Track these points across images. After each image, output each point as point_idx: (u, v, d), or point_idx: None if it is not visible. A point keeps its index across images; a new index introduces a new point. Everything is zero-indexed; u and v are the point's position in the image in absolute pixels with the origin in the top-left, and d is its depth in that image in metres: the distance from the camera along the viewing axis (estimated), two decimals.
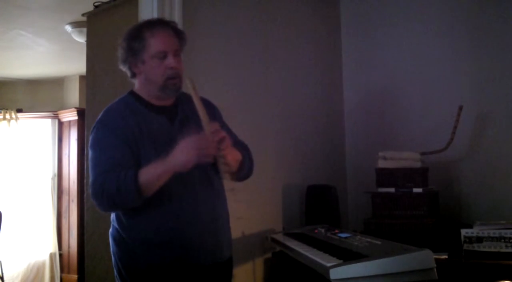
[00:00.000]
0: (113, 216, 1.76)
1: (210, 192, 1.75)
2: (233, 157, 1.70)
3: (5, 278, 5.02)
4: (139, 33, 1.72)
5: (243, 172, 1.79)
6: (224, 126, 1.85)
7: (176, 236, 1.66)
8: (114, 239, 1.75)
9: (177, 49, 1.73)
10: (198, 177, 1.70)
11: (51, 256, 5.65)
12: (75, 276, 5.48)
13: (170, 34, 1.73)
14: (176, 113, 1.76)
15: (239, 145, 1.82)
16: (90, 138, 1.71)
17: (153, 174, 1.56)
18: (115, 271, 1.76)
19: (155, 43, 1.69)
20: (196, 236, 1.68)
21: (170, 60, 1.69)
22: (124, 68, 1.78)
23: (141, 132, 1.67)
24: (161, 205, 1.64)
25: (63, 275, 5.65)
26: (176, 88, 1.73)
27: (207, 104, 1.81)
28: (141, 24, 1.77)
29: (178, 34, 1.75)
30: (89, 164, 1.68)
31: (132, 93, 1.79)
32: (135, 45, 1.71)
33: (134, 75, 1.77)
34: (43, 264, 5.63)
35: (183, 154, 1.54)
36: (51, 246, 5.66)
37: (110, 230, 1.79)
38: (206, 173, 1.72)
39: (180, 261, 1.68)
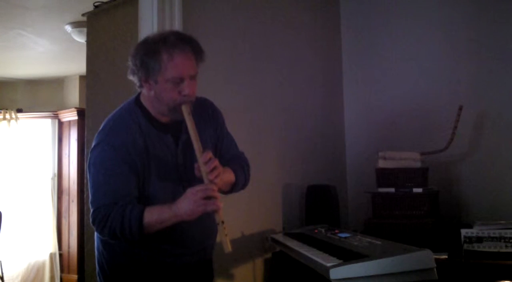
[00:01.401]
0: None
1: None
2: (226, 180, 1.68)
3: (5, 278, 5.02)
4: (155, 51, 1.58)
5: (236, 190, 1.80)
6: (227, 135, 1.85)
7: (164, 240, 1.67)
8: (102, 241, 1.74)
9: (193, 73, 1.62)
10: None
11: (51, 256, 5.66)
12: (75, 276, 5.48)
13: (189, 57, 1.60)
14: (180, 131, 1.69)
15: (238, 159, 1.81)
16: (94, 155, 1.62)
17: (157, 218, 1.55)
18: (97, 267, 1.76)
19: (173, 68, 1.57)
20: (186, 241, 1.71)
21: (185, 86, 1.59)
22: (133, 78, 1.66)
23: (148, 157, 1.62)
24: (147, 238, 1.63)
25: (63, 275, 5.65)
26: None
27: (211, 108, 1.81)
28: (158, 40, 1.60)
29: (197, 54, 1.63)
30: (90, 182, 1.63)
31: (139, 104, 1.69)
32: (150, 63, 1.58)
33: (142, 86, 1.66)
34: (43, 264, 5.63)
35: (188, 203, 1.53)
36: (51, 246, 5.66)
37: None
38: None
39: (167, 262, 1.70)
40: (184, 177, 1.66)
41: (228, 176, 1.72)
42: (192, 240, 1.72)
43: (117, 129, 1.64)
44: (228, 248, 1.52)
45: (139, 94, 1.72)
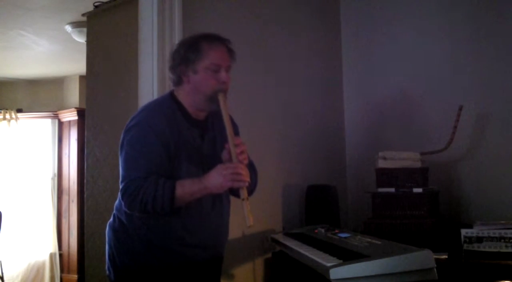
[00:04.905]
0: (118, 208, 1.77)
1: (218, 207, 1.83)
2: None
3: (5, 278, 5.02)
4: (196, 44, 1.76)
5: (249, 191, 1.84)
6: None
7: (181, 244, 1.73)
8: (115, 232, 1.78)
9: (229, 65, 1.79)
10: None
11: (51, 256, 5.66)
12: (75, 276, 5.49)
13: (224, 50, 1.79)
14: (206, 129, 1.83)
15: (250, 166, 1.86)
16: (130, 134, 1.71)
17: (189, 189, 1.64)
18: (108, 262, 1.79)
19: (212, 55, 1.75)
20: (199, 246, 1.77)
21: (223, 74, 1.75)
22: (172, 74, 1.82)
23: (179, 142, 1.72)
24: (176, 212, 1.68)
25: (63, 275, 5.65)
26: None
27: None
28: (199, 35, 1.81)
29: (230, 53, 1.81)
30: (123, 161, 1.70)
31: (174, 99, 1.81)
32: (191, 54, 1.75)
33: (180, 82, 1.79)
34: (43, 264, 5.63)
35: (219, 177, 1.63)
36: (51, 246, 5.67)
37: (111, 220, 1.82)
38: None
39: (179, 264, 1.74)
40: (210, 167, 1.72)
41: (247, 173, 1.78)
42: (207, 232, 1.78)
43: (154, 113, 1.75)
44: (250, 222, 1.61)
45: (172, 91, 1.84)
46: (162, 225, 1.71)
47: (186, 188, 1.63)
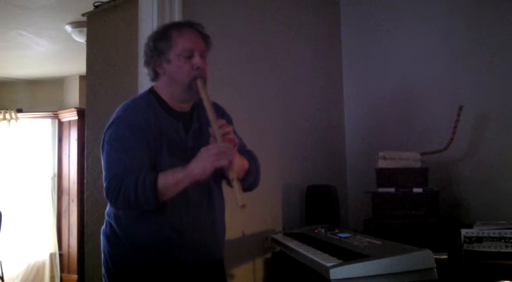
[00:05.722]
0: (109, 213, 1.75)
1: (209, 203, 1.76)
2: (239, 164, 1.69)
3: (5, 278, 5.02)
4: (166, 33, 1.72)
5: (249, 181, 1.78)
6: (236, 134, 1.84)
7: (170, 244, 1.68)
8: (107, 237, 1.75)
9: (203, 50, 1.74)
10: (198, 188, 1.70)
11: (51, 256, 5.66)
12: (75, 276, 5.49)
13: (197, 35, 1.74)
14: (191, 121, 1.77)
15: (247, 154, 1.81)
16: (108, 133, 1.68)
17: (171, 180, 1.57)
18: (103, 269, 1.76)
19: (183, 41, 1.70)
20: (190, 246, 1.71)
21: (197, 60, 1.69)
22: (147, 69, 1.77)
23: (160, 137, 1.67)
24: (162, 211, 1.65)
25: (63, 275, 5.65)
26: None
27: (221, 111, 1.85)
28: (168, 25, 1.79)
29: (204, 38, 1.76)
30: (104, 160, 1.67)
31: (154, 93, 1.77)
32: (161, 44, 1.71)
33: (156, 76, 1.75)
34: (43, 264, 5.63)
35: (200, 160, 1.56)
36: (51, 246, 5.67)
37: (103, 227, 1.79)
38: (207, 184, 1.73)
39: (171, 266, 1.69)
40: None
41: (242, 160, 1.72)
42: (197, 231, 1.71)
43: (131, 110, 1.71)
44: (241, 201, 1.54)
45: (152, 87, 1.80)
46: (148, 225, 1.66)
47: (169, 178, 1.57)
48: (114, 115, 1.72)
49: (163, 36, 1.72)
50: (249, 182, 1.78)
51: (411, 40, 3.40)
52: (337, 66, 3.72)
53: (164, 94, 1.75)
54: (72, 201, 5.62)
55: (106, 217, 1.78)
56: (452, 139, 2.95)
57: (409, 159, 2.94)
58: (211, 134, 1.64)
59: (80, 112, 5.47)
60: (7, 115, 5.74)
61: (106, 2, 3.16)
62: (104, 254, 1.75)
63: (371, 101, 3.55)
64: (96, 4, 3.23)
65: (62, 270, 5.67)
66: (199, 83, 1.68)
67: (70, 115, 5.79)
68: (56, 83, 6.14)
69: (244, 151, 1.82)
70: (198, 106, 1.78)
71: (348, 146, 3.67)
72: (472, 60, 3.14)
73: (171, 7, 2.47)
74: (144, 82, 2.45)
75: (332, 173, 3.48)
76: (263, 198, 2.90)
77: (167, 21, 2.45)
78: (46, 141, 5.91)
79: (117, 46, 3.08)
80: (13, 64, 5.33)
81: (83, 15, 3.37)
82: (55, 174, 5.84)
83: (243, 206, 1.53)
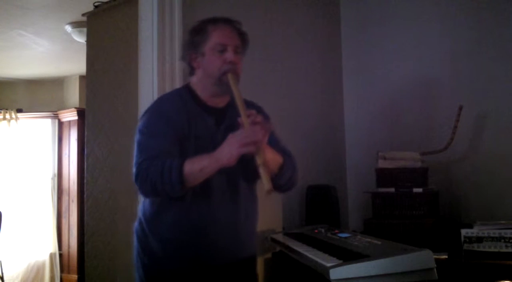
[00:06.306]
0: (140, 208, 1.77)
1: (234, 203, 1.75)
2: (273, 157, 1.68)
3: (5, 278, 5.03)
4: (202, 27, 1.76)
5: (285, 177, 1.75)
6: (274, 133, 1.85)
7: (196, 238, 1.68)
8: (136, 232, 1.77)
9: (237, 45, 1.75)
10: (226, 182, 1.71)
11: (51, 256, 5.66)
12: (75, 276, 5.49)
13: (232, 31, 1.76)
14: (224, 118, 1.77)
15: (284, 152, 1.80)
16: (141, 122, 1.72)
17: (197, 165, 1.57)
18: (135, 267, 1.78)
19: (217, 35, 1.72)
20: (215, 241, 1.70)
21: (229, 54, 1.71)
22: (184, 63, 1.82)
23: (189, 128, 1.69)
24: (184, 208, 1.66)
25: (63, 275, 5.65)
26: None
27: (261, 111, 1.83)
28: (205, 19, 1.81)
29: (241, 35, 1.79)
30: (135, 146, 1.70)
31: (188, 88, 1.81)
32: (197, 38, 1.75)
33: (192, 70, 1.79)
34: (43, 264, 5.64)
35: (227, 146, 1.56)
36: (51, 246, 5.67)
37: (136, 223, 1.80)
38: (235, 179, 1.73)
39: (199, 264, 1.70)
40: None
41: (274, 154, 1.71)
42: (220, 231, 1.70)
43: (163, 101, 1.78)
44: (268, 186, 1.53)
45: (188, 83, 1.84)
46: (170, 221, 1.67)
47: (195, 163, 1.56)
48: (148, 107, 1.77)
49: (199, 30, 1.76)
50: (284, 178, 1.75)
51: (411, 40, 3.40)
52: (337, 66, 3.72)
53: (198, 89, 1.78)
54: (72, 201, 5.63)
55: (138, 213, 1.81)
56: (452, 139, 2.95)
57: (409, 159, 2.94)
58: (240, 124, 1.63)
59: (80, 112, 5.47)
60: (7, 115, 5.74)
61: (106, 2, 3.16)
62: (135, 250, 1.77)
63: (371, 101, 3.55)
64: (96, 4, 3.23)
65: (62, 270, 5.67)
66: (229, 77, 1.69)
67: (70, 115, 5.79)
68: (56, 83, 6.14)
69: (279, 148, 1.80)
70: (232, 105, 1.76)
71: (348, 146, 3.67)
72: (472, 60, 3.13)
73: (171, 7, 2.47)
74: (145, 82, 2.45)
75: (332, 173, 3.48)
76: (263, 198, 2.90)
77: (167, 21, 2.45)
78: (46, 141, 5.91)
79: (117, 46, 3.08)
80: (13, 64, 5.33)
81: (83, 15, 3.37)
82: (55, 174, 5.84)
83: (269, 191, 1.53)
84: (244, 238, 1.79)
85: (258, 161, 1.56)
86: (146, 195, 1.66)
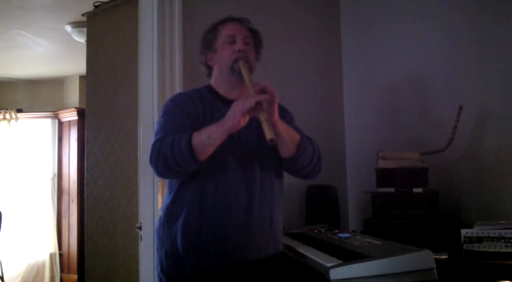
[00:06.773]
0: (162, 206, 1.80)
1: (250, 201, 1.75)
2: (290, 133, 1.75)
3: (5, 278, 5.03)
4: (212, 27, 1.89)
5: (303, 159, 1.79)
6: (297, 128, 1.91)
7: (218, 235, 1.69)
8: (157, 229, 1.79)
9: (246, 36, 1.85)
10: (241, 171, 1.73)
11: (51, 256, 5.66)
12: (75, 276, 5.49)
13: (241, 26, 1.88)
14: None
15: (303, 135, 1.85)
16: (160, 115, 1.81)
17: (204, 133, 1.61)
18: (158, 268, 1.79)
19: (225, 29, 1.85)
20: (229, 245, 1.71)
21: (238, 44, 1.81)
22: (202, 66, 1.90)
23: (204, 114, 1.74)
24: (197, 208, 1.68)
25: (63, 275, 5.65)
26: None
27: (281, 109, 1.84)
28: (216, 21, 1.93)
29: (252, 32, 1.91)
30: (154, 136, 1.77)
31: (208, 86, 1.89)
32: (209, 37, 1.87)
33: (210, 71, 1.89)
34: (43, 264, 5.64)
35: (231, 111, 1.60)
36: (51, 246, 5.67)
37: (157, 225, 1.82)
38: (253, 170, 1.75)
39: (212, 265, 1.70)
40: (238, 147, 1.72)
41: (290, 130, 1.77)
42: (235, 230, 1.71)
43: (181, 94, 1.90)
44: (269, 135, 1.56)
45: (209, 84, 1.91)
46: (185, 214, 1.69)
47: (202, 132, 1.61)
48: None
49: (210, 30, 1.88)
50: (304, 160, 1.80)
51: (411, 40, 3.40)
52: (337, 66, 3.72)
53: (216, 84, 1.86)
54: (72, 201, 5.63)
55: (160, 212, 1.84)
56: (452, 139, 2.95)
57: (409, 159, 2.94)
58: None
59: (80, 112, 5.48)
60: (7, 115, 5.74)
61: (106, 2, 3.16)
62: (159, 255, 1.78)
63: (371, 101, 3.54)
64: (96, 4, 3.24)
65: (62, 270, 5.67)
66: (240, 64, 1.75)
67: (70, 115, 5.79)
68: (56, 83, 6.14)
69: (297, 129, 1.86)
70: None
71: (348, 146, 3.67)
72: (472, 60, 3.13)
73: (171, 7, 2.47)
74: (144, 82, 2.45)
75: (332, 173, 3.47)
76: None
77: (167, 21, 2.45)
78: (46, 141, 5.91)
79: (117, 46, 3.08)
80: (13, 64, 5.33)
81: (83, 15, 3.38)
82: (55, 174, 5.84)
83: (271, 140, 1.55)
84: (257, 237, 1.79)
85: (261, 117, 1.59)
86: (160, 173, 1.69)
